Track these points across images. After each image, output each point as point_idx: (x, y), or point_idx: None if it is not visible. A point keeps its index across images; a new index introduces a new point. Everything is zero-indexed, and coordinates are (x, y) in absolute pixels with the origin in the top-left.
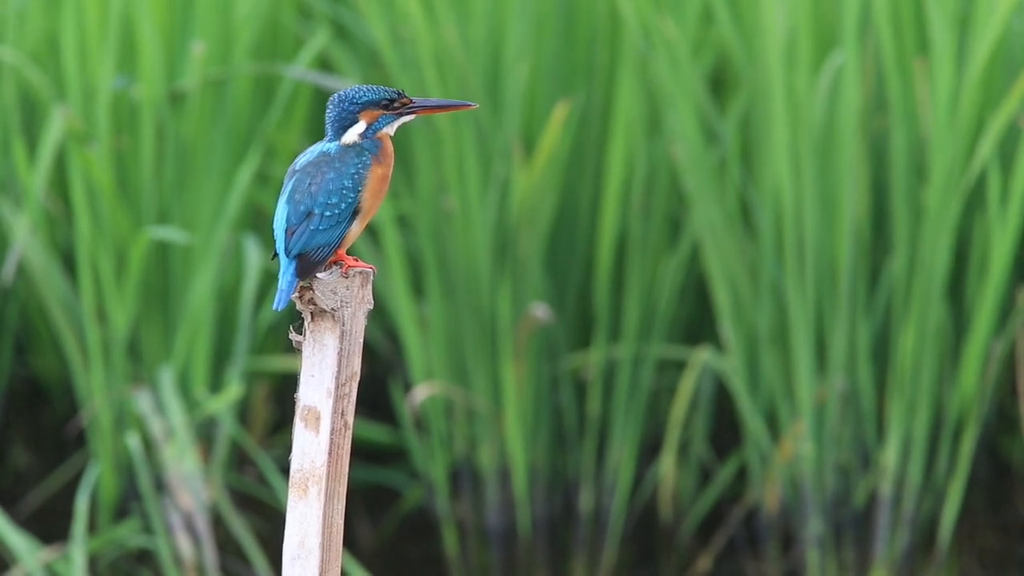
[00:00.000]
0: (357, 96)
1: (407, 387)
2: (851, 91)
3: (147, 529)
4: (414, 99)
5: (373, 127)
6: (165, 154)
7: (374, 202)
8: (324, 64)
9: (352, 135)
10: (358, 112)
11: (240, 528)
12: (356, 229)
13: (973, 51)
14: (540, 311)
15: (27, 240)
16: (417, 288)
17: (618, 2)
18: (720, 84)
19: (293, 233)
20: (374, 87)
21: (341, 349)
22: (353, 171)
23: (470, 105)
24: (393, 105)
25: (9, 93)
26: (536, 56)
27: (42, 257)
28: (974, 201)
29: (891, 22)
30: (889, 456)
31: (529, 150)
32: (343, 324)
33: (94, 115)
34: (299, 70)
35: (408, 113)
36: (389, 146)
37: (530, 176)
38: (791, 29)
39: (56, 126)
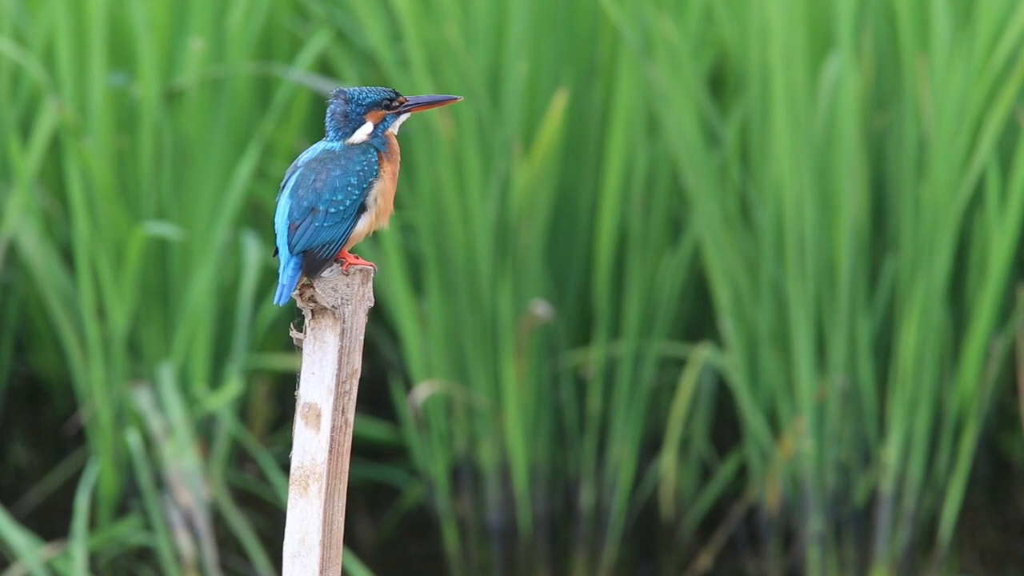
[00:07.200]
0: (361, 98)
1: (407, 385)
2: (849, 89)
3: (147, 526)
4: (408, 97)
5: (380, 127)
6: (163, 151)
7: (387, 200)
8: (322, 62)
9: (361, 136)
10: (364, 114)
11: (240, 525)
12: (364, 227)
13: (975, 48)
14: (541, 308)
15: (25, 233)
16: (416, 285)
17: (606, 6)
18: (719, 83)
19: (296, 229)
20: (374, 88)
21: (342, 347)
22: (359, 168)
23: (456, 98)
24: (392, 104)
25: (6, 89)
26: (536, 52)
27: (42, 254)
28: (974, 199)
29: (891, 18)
30: (890, 453)
31: (529, 146)
32: (344, 321)
33: (90, 112)
34: (299, 73)
35: (405, 111)
36: (395, 144)
37: (530, 166)
38: (790, 26)
39: (49, 116)
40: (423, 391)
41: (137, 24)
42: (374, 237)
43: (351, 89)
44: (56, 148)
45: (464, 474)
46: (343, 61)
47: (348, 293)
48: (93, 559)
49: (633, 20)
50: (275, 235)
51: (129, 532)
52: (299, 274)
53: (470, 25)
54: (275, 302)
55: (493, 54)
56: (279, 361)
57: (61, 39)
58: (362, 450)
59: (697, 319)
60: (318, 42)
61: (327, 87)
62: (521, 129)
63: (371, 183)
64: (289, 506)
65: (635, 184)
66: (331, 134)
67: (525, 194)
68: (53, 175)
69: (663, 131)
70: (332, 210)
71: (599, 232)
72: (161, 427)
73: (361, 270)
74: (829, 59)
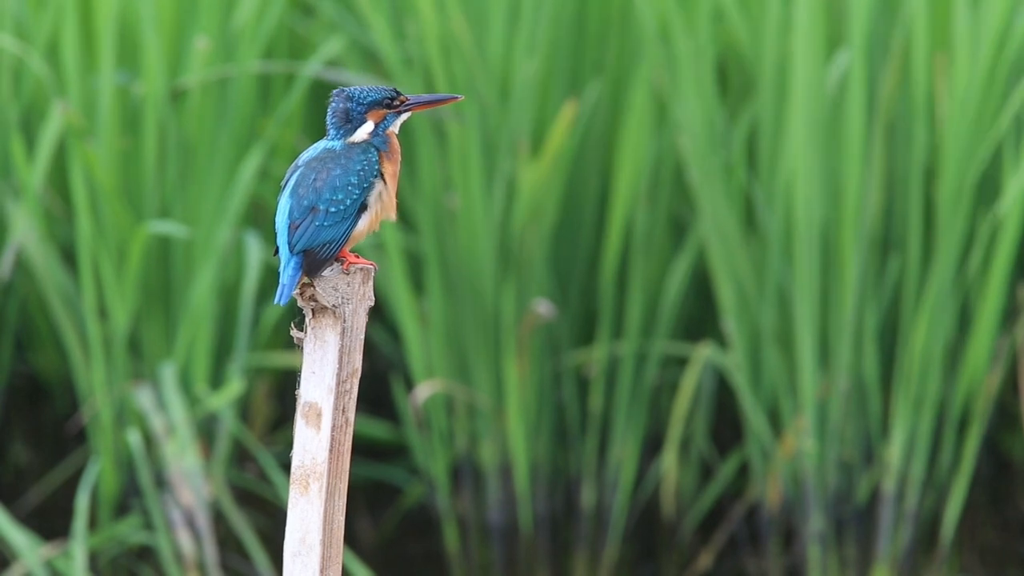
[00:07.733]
0: (362, 96)
1: (408, 384)
2: (858, 85)
3: (148, 525)
4: (408, 96)
5: (381, 126)
6: (167, 151)
7: (388, 199)
8: (327, 62)
9: (362, 135)
10: (365, 112)
11: (241, 524)
12: (364, 226)
13: (982, 45)
14: (543, 307)
15: (26, 234)
16: (417, 284)
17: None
18: (724, 79)
19: (297, 228)
20: (375, 87)
21: (342, 346)
22: (359, 167)
23: (457, 97)
24: (393, 103)
25: (8, 87)
26: (546, 51)
27: (43, 253)
28: (979, 198)
29: (895, 14)
30: (893, 452)
31: (536, 145)
32: (344, 320)
33: (95, 112)
34: (316, 66)
35: (406, 110)
36: (396, 143)
37: (536, 173)
38: (810, 23)
39: (55, 120)
40: (424, 390)
41: (144, 22)
42: (375, 236)
43: (352, 88)
44: (59, 147)
45: (465, 473)
46: (350, 60)
47: (349, 292)
48: (93, 558)
49: (651, 13)
50: (275, 234)
51: (129, 531)
52: (299, 273)
53: (480, 22)
54: (276, 302)
55: (503, 52)
56: (280, 358)
57: (67, 38)
58: (363, 449)
59: (698, 318)
60: (333, 46)
61: (340, 80)
62: (527, 126)
63: (372, 182)
64: (290, 505)
65: (640, 184)
66: (332, 133)
67: (532, 198)
68: (55, 174)
69: (669, 128)
70: (332, 209)
71: (608, 232)
72: (162, 426)
73: (362, 269)
74: (839, 55)
